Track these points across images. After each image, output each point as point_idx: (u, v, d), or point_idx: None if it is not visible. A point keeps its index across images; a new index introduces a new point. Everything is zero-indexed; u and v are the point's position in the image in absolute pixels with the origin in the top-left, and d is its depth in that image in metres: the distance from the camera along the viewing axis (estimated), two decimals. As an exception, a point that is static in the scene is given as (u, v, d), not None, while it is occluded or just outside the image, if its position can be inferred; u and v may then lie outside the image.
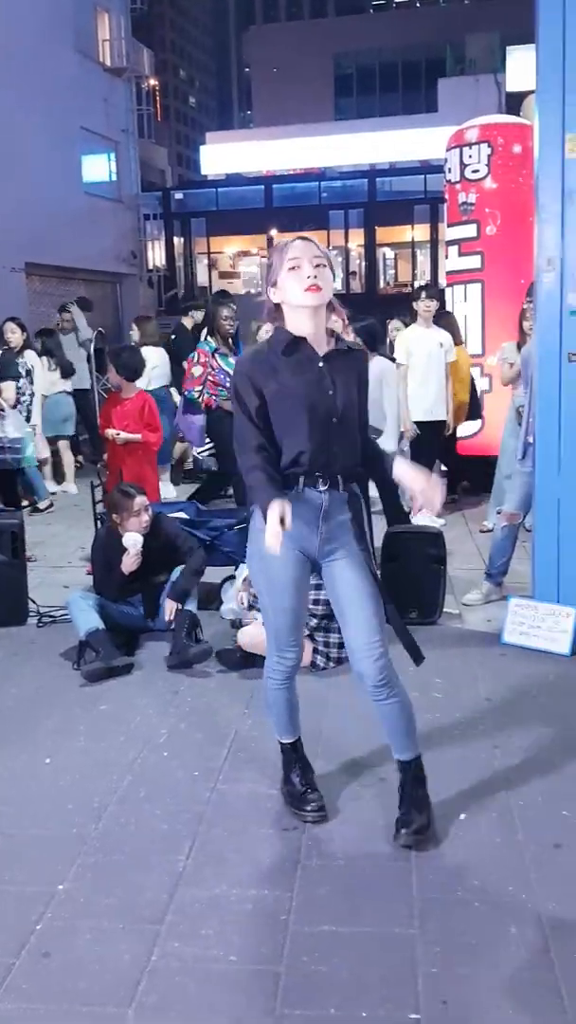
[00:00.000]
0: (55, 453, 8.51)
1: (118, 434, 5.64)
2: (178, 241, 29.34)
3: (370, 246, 28.70)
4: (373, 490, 4.97)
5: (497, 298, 7.19)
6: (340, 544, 2.69)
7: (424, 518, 6.42)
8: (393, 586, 4.68)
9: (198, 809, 2.95)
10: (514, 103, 19.76)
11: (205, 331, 7.35)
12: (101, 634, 4.19)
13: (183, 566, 4.46)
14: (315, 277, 2.55)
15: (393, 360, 6.58)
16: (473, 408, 7.18)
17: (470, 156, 7.57)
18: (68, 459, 8.56)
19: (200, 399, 6.55)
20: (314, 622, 4.05)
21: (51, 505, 7.70)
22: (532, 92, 4.37)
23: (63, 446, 8.55)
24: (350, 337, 6.81)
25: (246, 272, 31.31)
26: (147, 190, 27.57)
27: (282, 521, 2.41)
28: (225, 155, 31.55)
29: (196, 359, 6.63)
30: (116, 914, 2.44)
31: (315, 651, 4.09)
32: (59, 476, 8.64)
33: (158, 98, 39.29)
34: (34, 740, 3.50)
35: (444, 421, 6.75)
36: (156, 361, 7.73)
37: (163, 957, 2.27)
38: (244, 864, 2.65)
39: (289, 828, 2.82)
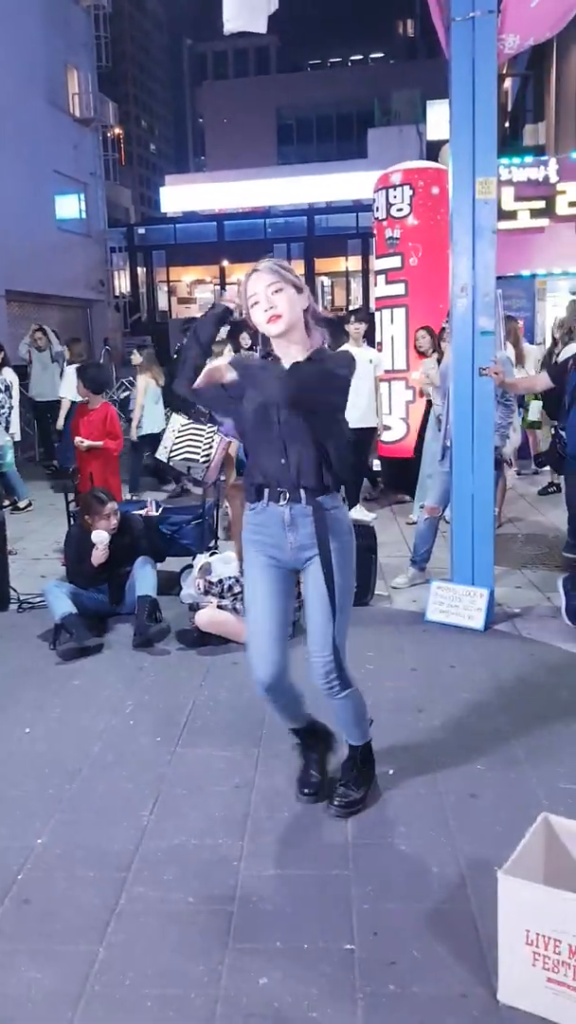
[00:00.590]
0: None
1: (83, 442, 5.60)
2: (141, 271, 29.02)
3: (310, 275, 28.69)
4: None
5: (419, 320, 7.23)
6: (311, 553, 2.45)
7: (357, 512, 6.47)
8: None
9: (160, 771, 2.93)
10: (433, 150, 19.97)
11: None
12: (74, 618, 4.13)
13: (143, 559, 4.43)
14: (272, 308, 2.33)
15: None
16: None
17: (395, 196, 7.61)
18: None
19: None
20: None
21: (30, 504, 7.57)
22: (448, 141, 4.39)
23: None
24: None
25: (201, 298, 31.07)
26: (113, 226, 27.17)
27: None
28: (182, 195, 31.23)
29: None
30: (88, 864, 2.41)
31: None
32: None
33: (122, 145, 38.72)
34: (14, 712, 3.44)
35: (375, 427, 6.78)
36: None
37: (130, 901, 2.25)
38: (201, 818, 2.63)
39: (240, 785, 2.81)
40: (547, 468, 6.83)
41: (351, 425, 6.39)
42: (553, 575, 4.85)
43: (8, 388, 7.16)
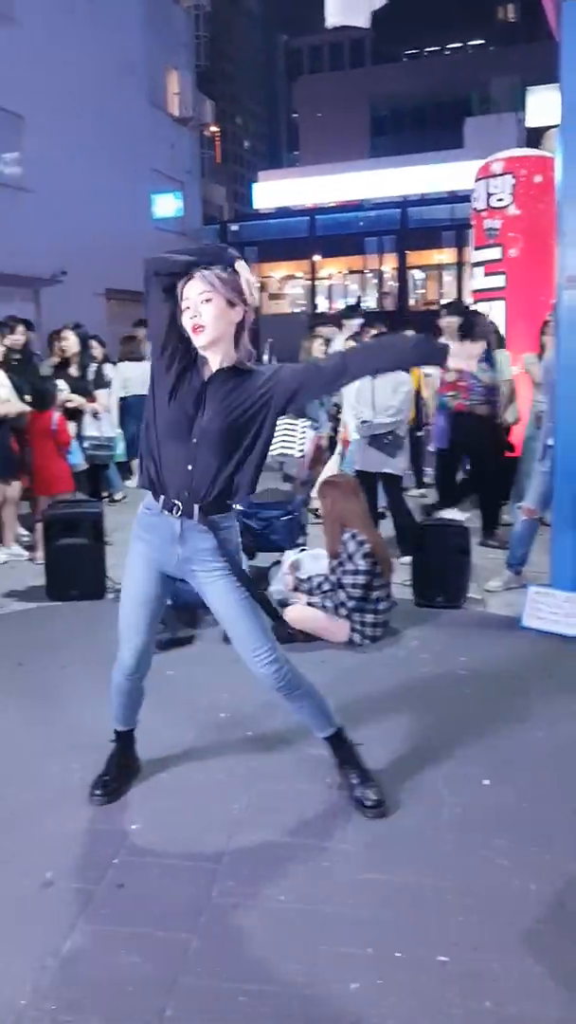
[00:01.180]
0: None
1: None
2: (234, 267, 29.32)
3: (402, 269, 28.40)
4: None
5: (518, 314, 7.04)
6: (200, 567, 2.45)
7: (450, 513, 6.34)
8: (422, 573, 4.63)
9: (251, 765, 2.94)
10: (534, 138, 19.34)
11: None
12: (168, 609, 4.19)
13: None
14: (195, 316, 2.26)
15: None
16: None
17: (495, 186, 7.42)
18: None
19: (452, 403, 6.13)
20: (352, 603, 4.01)
21: (125, 496, 7.76)
22: (552, 127, 4.24)
23: None
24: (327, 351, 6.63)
25: (291, 294, 31.19)
26: (207, 223, 27.61)
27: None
28: (275, 191, 31.38)
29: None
30: (181, 853, 2.44)
31: (352, 629, 4.05)
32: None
33: (218, 143, 39.24)
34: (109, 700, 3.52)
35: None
36: (130, 372, 7.86)
37: (221, 894, 2.26)
38: (292, 815, 2.62)
39: (332, 785, 2.78)
40: None
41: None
42: None
43: (110, 384, 7.38)
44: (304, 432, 6.50)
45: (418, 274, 29.38)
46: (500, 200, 7.39)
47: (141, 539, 2.54)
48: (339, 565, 4.06)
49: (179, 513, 2.39)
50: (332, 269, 29.75)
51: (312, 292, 29.43)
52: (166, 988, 1.93)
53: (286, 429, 6.69)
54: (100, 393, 6.79)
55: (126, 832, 2.55)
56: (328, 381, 2.48)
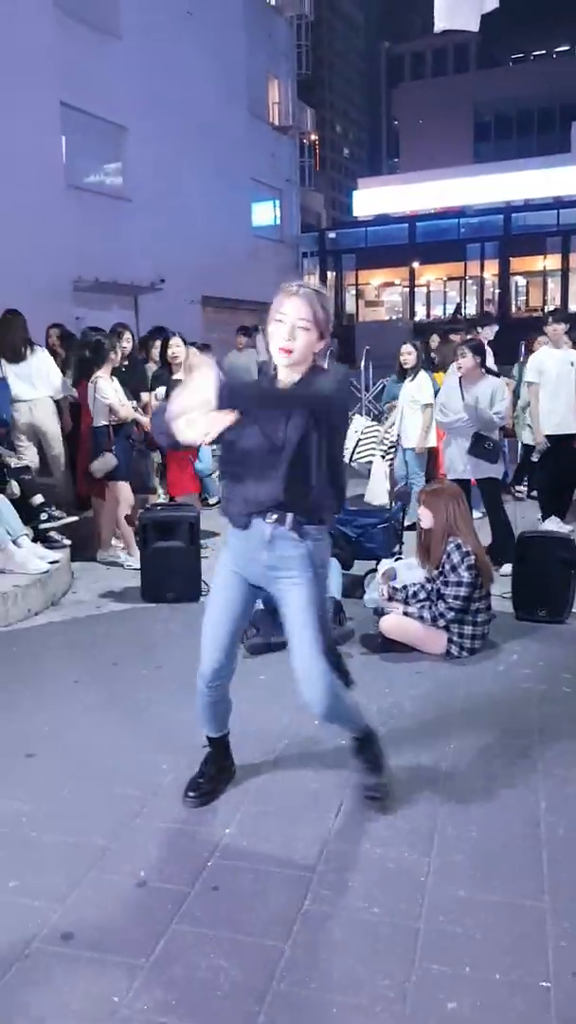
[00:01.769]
0: None
1: None
2: (331, 275, 29.49)
3: (504, 275, 27.90)
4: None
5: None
6: (284, 573, 2.47)
7: (552, 523, 6.17)
8: (523, 586, 4.52)
9: (345, 774, 2.91)
10: None
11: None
12: (262, 614, 4.22)
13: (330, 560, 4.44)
14: (292, 341, 2.32)
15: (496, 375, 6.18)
16: None
17: (606, 190, 7.20)
18: None
19: None
20: (451, 615, 3.94)
21: (219, 501, 7.86)
22: None
23: None
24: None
25: (388, 301, 31.07)
26: (306, 231, 27.85)
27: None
28: (374, 198, 31.39)
29: None
30: (274, 859, 2.45)
31: (450, 640, 3.98)
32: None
33: (317, 150, 39.56)
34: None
35: (574, 434, 6.43)
36: None
37: (315, 902, 2.26)
38: (385, 827, 2.59)
39: (427, 797, 2.74)
40: None
41: (548, 432, 6.20)
42: None
43: None
44: (386, 436, 6.43)
45: (520, 280, 28.81)
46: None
47: (229, 548, 2.58)
48: (440, 575, 4.00)
49: (273, 519, 2.43)
50: (431, 276, 29.48)
51: (411, 299, 29.24)
52: (258, 995, 1.94)
53: (375, 435, 6.65)
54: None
55: (220, 836, 2.57)
56: None
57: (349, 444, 6.40)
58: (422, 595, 4.09)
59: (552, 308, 17.49)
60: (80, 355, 6.69)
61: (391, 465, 6.42)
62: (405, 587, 4.19)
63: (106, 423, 5.81)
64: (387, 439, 6.50)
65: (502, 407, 5.46)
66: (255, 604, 2.70)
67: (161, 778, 2.92)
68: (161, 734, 3.26)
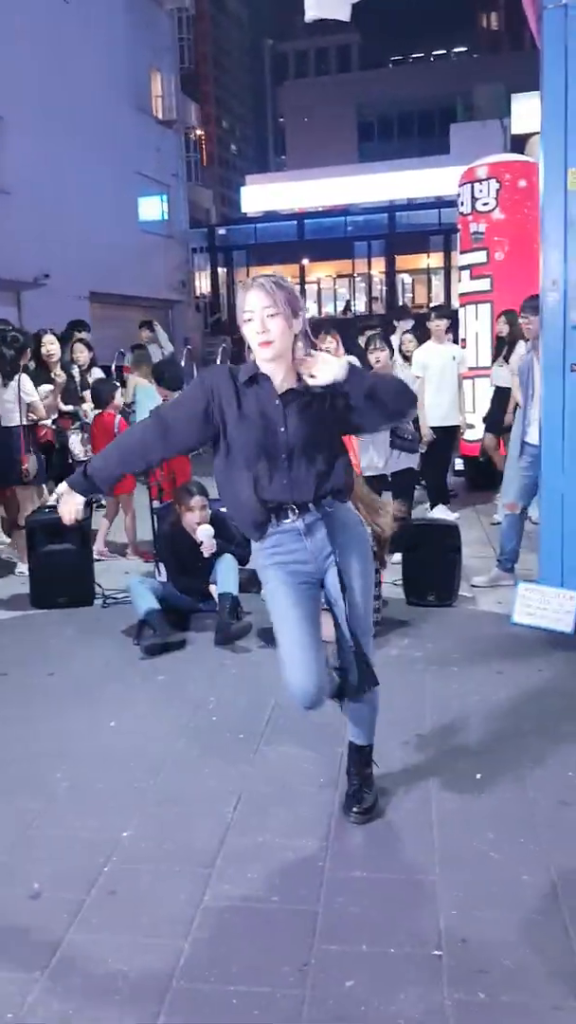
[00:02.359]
0: None
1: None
2: (222, 271, 29.43)
3: (390, 272, 28.55)
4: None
5: (512, 309, 7.08)
6: (331, 559, 2.41)
7: (440, 511, 6.38)
8: (414, 572, 4.66)
9: (243, 768, 2.94)
10: (518, 145, 19.53)
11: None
12: (158, 614, 4.20)
13: (226, 557, 4.45)
14: (265, 332, 2.25)
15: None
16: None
17: (480, 191, 7.50)
18: None
19: None
20: None
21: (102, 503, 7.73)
22: (536, 134, 4.30)
23: None
24: (340, 354, 6.72)
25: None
26: (194, 227, 27.65)
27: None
28: (262, 195, 31.48)
29: None
30: (173, 859, 2.44)
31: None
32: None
33: (204, 146, 39.30)
34: (100, 705, 3.52)
35: (457, 426, 6.67)
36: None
37: (214, 897, 2.26)
38: (285, 817, 2.63)
39: (325, 785, 2.79)
40: None
41: (433, 424, 6.40)
42: None
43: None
44: None
45: (407, 278, 29.54)
46: (486, 204, 7.47)
47: (272, 561, 2.44)
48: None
49: (296, 514, 2.38)
50: (321, 273, 29.85)
51: (302, 296, 29.48)
52: (158, 994, 1.93)
53: None
54: (87, 395, 6.78)
55: (117, 839, 2.54)
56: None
57: None
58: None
59: (435, 305, 18.03)
60: None
61: None
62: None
63: (26, 423, 5.58)
64: None
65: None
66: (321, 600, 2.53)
67: (56, 787, 2.86)
68: (55, 743, 3.19)
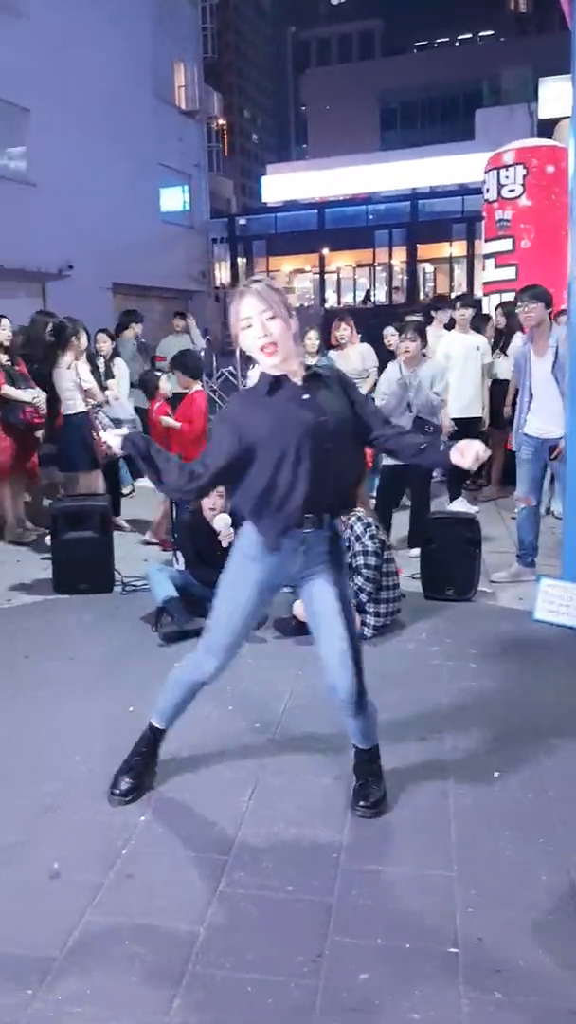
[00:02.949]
0: None
1: (162, 418, 5.72)
2: (241, 261, 29.36)
3: (411, 262, 28.34)
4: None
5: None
6: (316, 570, 2.45)
7: (459, 504, 6.33)
8: (432, 566, 4.63)
9: (258, 758, 2.94)
10: (546, 129, 19.24)
11: None
12: (176, 601, 4.21)
13: None
14: (268, 336, 2.26)
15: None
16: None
17: (507, 177, 7.40)
18: None
19: None
20: (369, 586, 4.01)
21: (132, 491, 7.77)
22: (565, 118, 4.22)
23: None
24: (356, 343, 6.64)
25: (300, 287, 31.13)
26: (215, 217, 27.58)
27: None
28: (283, 184, 31.36)
29: None
30: (189, 845, 2.45)
31: (362, 622, 4.04)
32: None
33: (225, 135, 39.17)
34: (118, 691, 3.53)
35: (480, 417, 6.61)
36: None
37: (229, 885, 2.27)
38: (299, 807, 2.63)
39: (339, 777, 2.79)
40: None
41: (455, 415, 6.35)
42: None
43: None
44: None
45: (428, 267, 29.31)
46: (512, 191, 7.37)
47: (254, 561, 2.45)
48: (347, 549, 4.07)
49: (310, 527, 2.37)
50: (341, 262, 29.69)
51: (321, 286, 29.37)
52: (174, 978, 1.94)
53: None
54: (110, 383, 6.83)
55: (135, 824, 2.55)
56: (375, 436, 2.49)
57: None
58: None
59: (460, 293, 17.85)
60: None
61: None
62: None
63: (84, 409, 5.76)
64: None
65: (441, 387, 5.53)
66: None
67: (75, 770, 2.88)
68: (74, 726, 3.21)
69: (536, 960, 1.97)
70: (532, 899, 2.18)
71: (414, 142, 36.99)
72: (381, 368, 6.06)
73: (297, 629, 4.08)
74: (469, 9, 49.93)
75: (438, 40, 54.63)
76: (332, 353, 6.61)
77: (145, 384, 6.43)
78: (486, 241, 7.89)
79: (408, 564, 4.96)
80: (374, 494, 5.69)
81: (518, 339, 6.08)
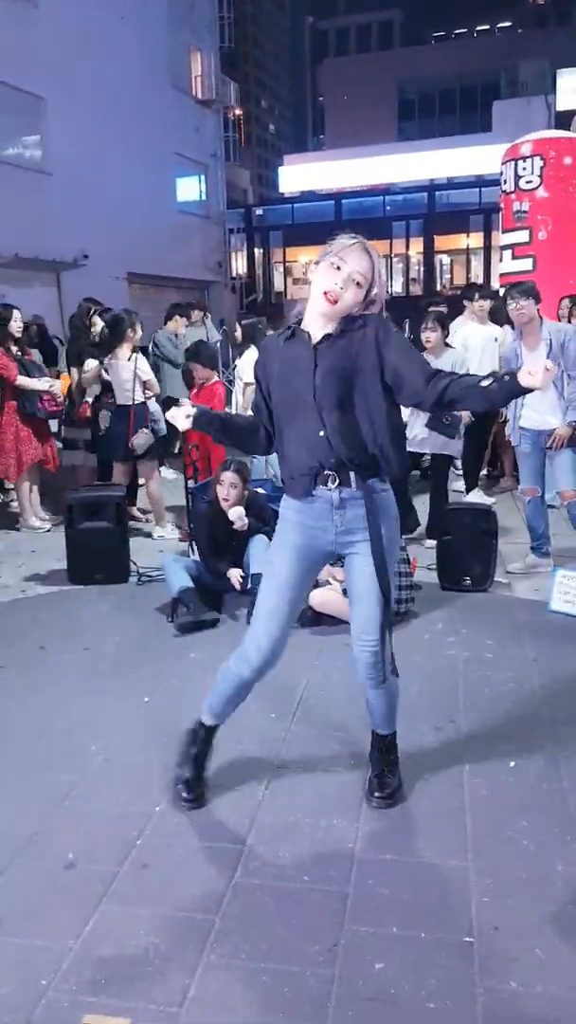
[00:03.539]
0: None
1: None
2: (258, 252, 29.25)
3: (428, 253, 28.16)
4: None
5: (547, 297, 6.93)
6: (357, 538, 2.34)
7: (475, 495, 6.29)
8: (448, 557, 4.60)
9: (275, 747, 2.94)
10: (564, 121, 19.04)
11: None
12: (191, 592, 4.21)
13: (259, 537, 4.43)
14: (340, 288, 2.19)
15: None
16: None
17: (524, 168, 7.31)
18: None
19: None
20: None
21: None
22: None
23: None
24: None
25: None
26: (232, 207, 27.48)
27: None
28: (300, 175, 31.20)
29: None
30: (205, 834, 2.45)
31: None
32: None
33: (242, 126, 39.00)
34: (134, 682, 3.54)
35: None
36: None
37: (245, 875, 2.26)
38: (315, 797, 2.62)
39: (355, 766, 2.78)
40: None
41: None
42: None
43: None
44: None
45: (445, 259, 29.10)
46: (529, 182, 7.29)
47: (290, 522, 2.41)
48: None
49: (336, 483, 2.30)
50: (358, 254, 29.48)
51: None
52: (189, 968, 1.94)
53: None
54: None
55: (150, 814, 2.55)
56: (420, 391, 2.24)
57: None
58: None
59: (478, 284, 17.71)
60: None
61: None
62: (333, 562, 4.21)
63: (142, 400, 5.85)
64: None
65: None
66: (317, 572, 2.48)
67: (90, 761, 2.88)
68: (89, 717, 3.22)
69: (552, 949, 1.96)
70: (548, 888, 2.16)
71: (432, 133, 36.71)
72: None
73: (313, 619, 4.07)
74: (488, 1, 49.42)
75: (456, 31, 54.19)
76: None
77: (186, 374, 6.50)
78: (503, 232, 7.82)
79: (424, 555, 4.93)
80: None
81: (508, 335, 6.01)
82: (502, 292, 7.68)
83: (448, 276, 28.63)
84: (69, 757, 2.91)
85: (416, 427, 5.36)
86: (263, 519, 4.50)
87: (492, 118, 30.26)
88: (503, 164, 7.62)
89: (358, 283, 2.21)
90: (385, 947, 1.98)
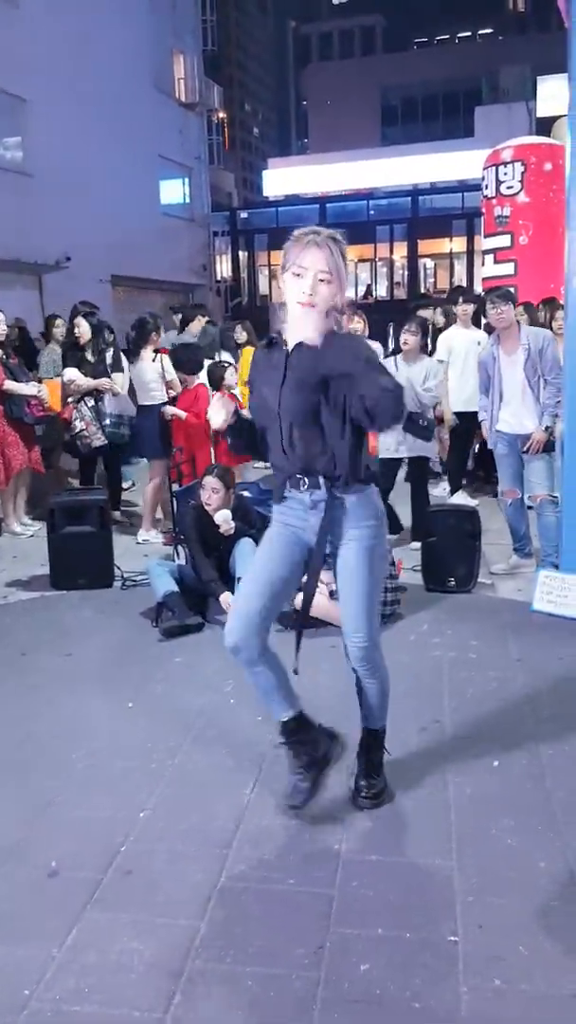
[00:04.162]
0: None
1: (167, 410, 5.85)
2: (243, 255, 29.27)
3: (412, 257, 28.28)
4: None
5: (529, 301, 6.99)
6: (338, 537, 2.39)
7: (460, 497, 6.32)
8: (432, 558, 4.62)
9: (261, 749, 2.93)
10: (544, 127, 19.18)
11: None
12: (176, 596, 4.20)
13: (245, 540, 4.43)
14: (311, 294, 2.19)
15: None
16: None
17: (505, 173, 7.38)
18: None
19: None
20: None
21: (133, 484, 7.74)
22: (562, 116, 4.20)
23: None
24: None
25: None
26: (216, 210, 27.46)
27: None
28: (285, 178, 31.25)
29: None
30: (190, 839, 2.44)
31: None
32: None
33: (226, 129, 39.02)
34: (118, 686, 3.53)
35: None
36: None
37: (230, 878, 2.26)
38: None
39: (341, 769, 2.77)
40: None
41: (456, 409, 6.33)
42: None
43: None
44: None
45: (428, 263, 29.23)
46: (510, 188, 7.35)
47: (275, 523, 2.49)
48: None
49: (306, 487, 2.36)
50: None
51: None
52: (174, 974, 1.93)
53: None
54: (116, 376, 6.77)
55: (134, 819, 2.54)
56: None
57: None
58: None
59: (461, 288, 17.77)
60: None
61: None
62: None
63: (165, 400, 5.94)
64: None
65: (432, 384, 5.52)
66: (302, 570, 2.47)
67: (74, 767, 2.87)
68: (73, 723, 3.20)
69: (536, 947, 1.97)
70: (532, 887, 2.17)
71: (414, 138, 36.86)
72: None
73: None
74: (469, 7, 49.79)
75: (438, 37, 54.49)
76: None
77: (210, 375, 6.48)
78: (485, 237, 7.88)
79: (409, 556, 4.95)
80: None
81: (485, 339, 6.05)
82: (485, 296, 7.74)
83: (432, 280, 28.76)
84: (52, 763, 2.89)
85: (387, 439, 5.39)
86: (248, 522, 4.50)
87: (474, 123, 30.44)
88: (485, 169, 7.69)
89: (326, 280, 2.22)
90: (371, 948, 1.98)
